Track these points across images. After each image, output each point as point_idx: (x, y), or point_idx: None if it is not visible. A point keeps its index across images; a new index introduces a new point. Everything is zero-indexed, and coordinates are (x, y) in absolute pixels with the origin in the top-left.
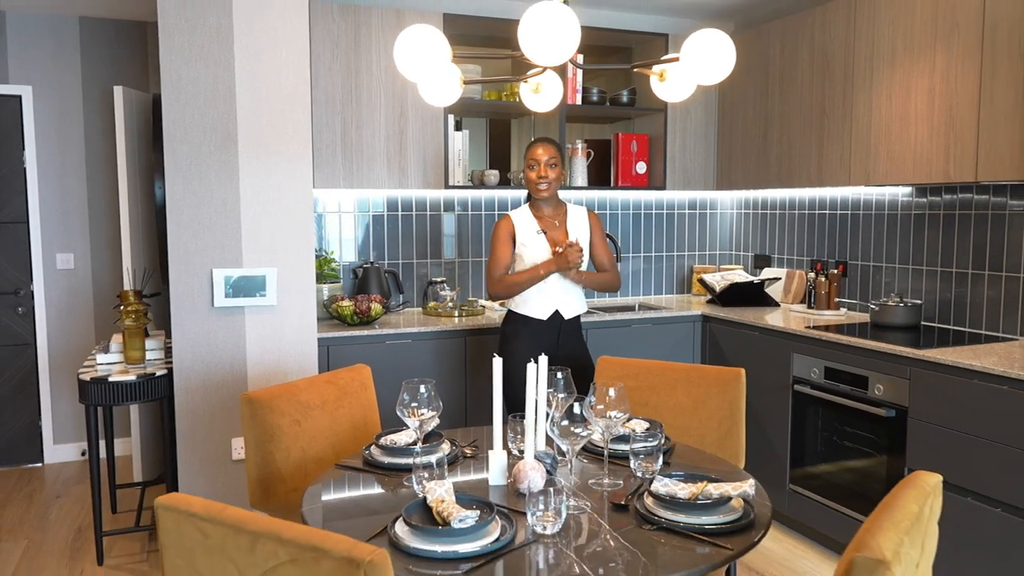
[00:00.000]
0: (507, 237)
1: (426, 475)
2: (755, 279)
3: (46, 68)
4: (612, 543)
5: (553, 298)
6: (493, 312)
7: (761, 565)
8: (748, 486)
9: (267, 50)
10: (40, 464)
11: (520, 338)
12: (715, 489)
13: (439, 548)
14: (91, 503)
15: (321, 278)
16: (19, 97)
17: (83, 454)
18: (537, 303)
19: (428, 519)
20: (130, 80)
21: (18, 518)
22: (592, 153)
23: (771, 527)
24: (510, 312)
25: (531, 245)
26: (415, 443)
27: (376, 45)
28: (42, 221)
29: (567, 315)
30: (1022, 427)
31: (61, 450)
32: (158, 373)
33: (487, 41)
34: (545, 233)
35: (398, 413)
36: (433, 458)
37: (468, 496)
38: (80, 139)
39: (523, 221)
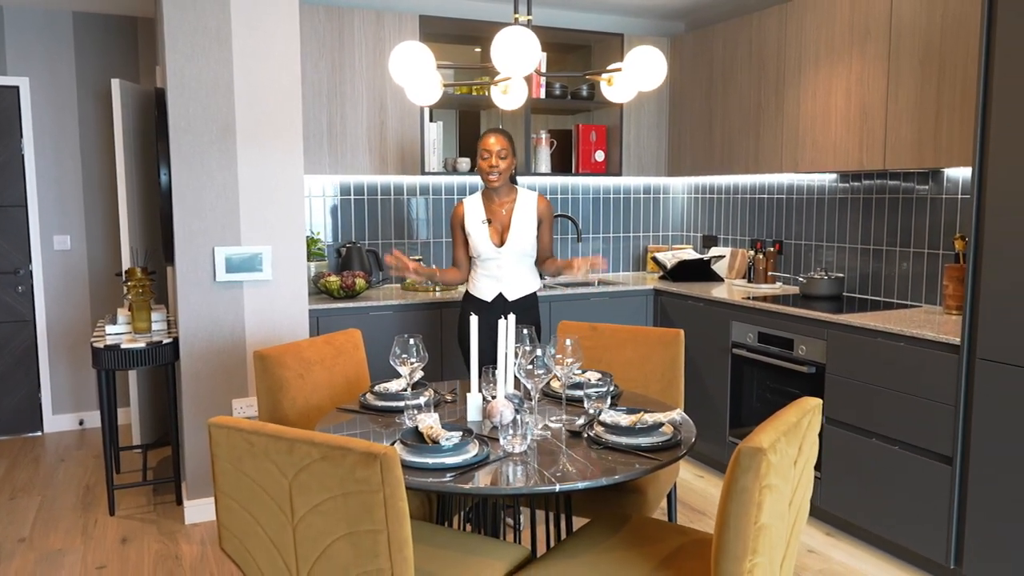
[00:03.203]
0: (456, 226)
1: (416, 412)
2: (703, 257)
3: (42, 60)
4: (567, 458)
5: (497, 282)
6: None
7: (702, 506)
8: (675, 413)
9: (262, 50)
10: (40, 433)
11: (471, 309)
12: (650, 417)
13: (430, 460)
14: (93, 466)
15: (309, 256)
16: (16, 88)
17: (80, 423)
18: (483, 286)
19: (420, 440)
20: (121, 73)
21: (28, 479)
22: (555, 142)
23: (712, 475)
24: (466, 291)
25: (475, 233)
26: (405, 389)
27: (358, 44)
28: (40, 205)
29: (510, 297)
30: (915, 376)
31: (59, 420)
32: (164, 342)
33: (459, 39)
34: (489, 221)
35: (391, 362)
36: (421, 400)
37: (452, 424)
38: (75, 128)
39: (472, 209)
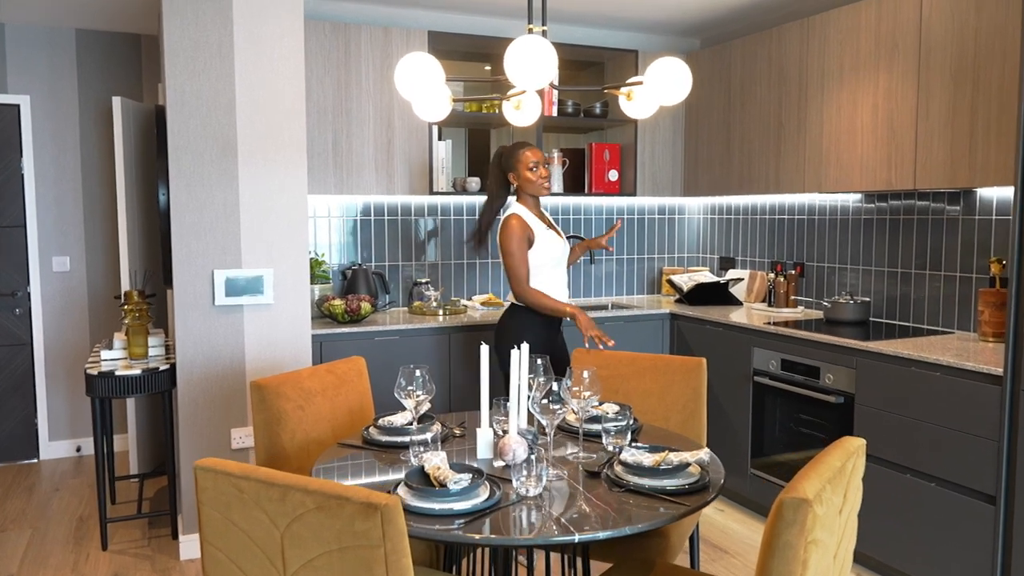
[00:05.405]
0: (524, 238)
1: (422, 449)
2: (720, 280)
3: (43, 78)
4: (586, 502)
5: (566, 287)
6: (475, 311)
7: (724, 543)
8: (703, 453)
9: (265, 65)
10: (36, 460)
11: (533, 330)
12: (675, 457)
13: (436, 506)
14: (89, 496)
15: (313, 279)
16: (17, 106)
17: (77, 450)
18: (559, 295)
19: (426, 483)
20: (124, 91)
21: (20, 510)
22: (567, 161)
23: (733, 509)
24: (521, 307)
25: (546, 240)
26: (410, 423)
27: (365, 60)
28: (39, 225)
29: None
30: (954, 409)
31: (56, 447)
32: (161, 368)
33: (468, 56)
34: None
35: (396, 395)
36: (428, 435)
37: (461, 464)
38: (76, 147)
39: (529, 219)
